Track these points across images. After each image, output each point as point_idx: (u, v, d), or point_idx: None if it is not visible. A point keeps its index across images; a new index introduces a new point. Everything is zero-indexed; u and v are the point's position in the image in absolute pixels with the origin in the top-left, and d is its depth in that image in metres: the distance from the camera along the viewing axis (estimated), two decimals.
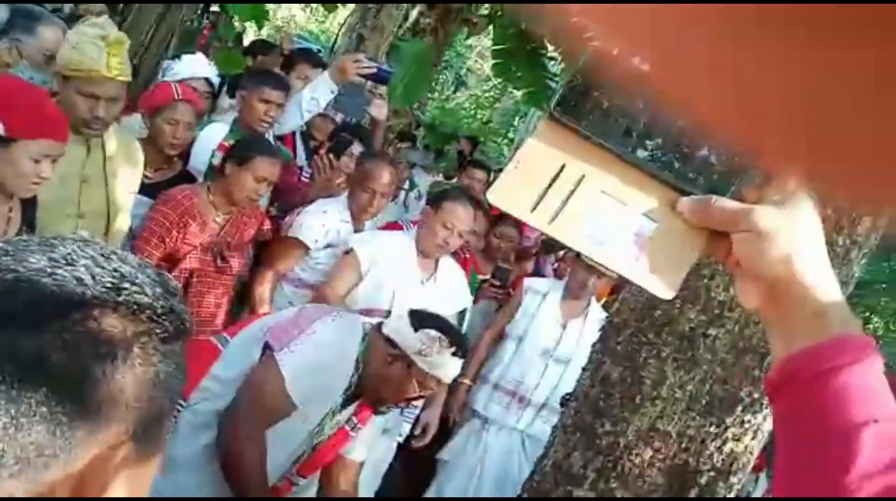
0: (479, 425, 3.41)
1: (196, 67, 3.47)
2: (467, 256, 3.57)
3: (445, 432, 3.48)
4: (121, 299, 0.55)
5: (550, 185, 0.59)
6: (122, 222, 2.59)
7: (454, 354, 2.09)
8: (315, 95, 3.35)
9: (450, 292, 3.10)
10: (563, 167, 0.60)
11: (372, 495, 3.13)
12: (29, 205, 2.13)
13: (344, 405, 2.19)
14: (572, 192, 0.59)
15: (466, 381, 3.44)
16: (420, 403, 3.12)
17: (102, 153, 2.40)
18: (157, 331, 0.56)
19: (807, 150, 0.22)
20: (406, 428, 3.15)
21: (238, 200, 2.79)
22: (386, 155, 3.23)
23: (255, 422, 2.04)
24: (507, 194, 0.59)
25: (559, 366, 3.33)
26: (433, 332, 2.07)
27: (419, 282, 3.01)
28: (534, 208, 0.59)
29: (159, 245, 2.73)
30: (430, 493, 3.42)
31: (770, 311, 0.60)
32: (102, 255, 0.56)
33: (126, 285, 0.55)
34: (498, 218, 3.61)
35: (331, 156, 3.11)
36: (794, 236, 0.58)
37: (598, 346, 1.63)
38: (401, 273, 2.96)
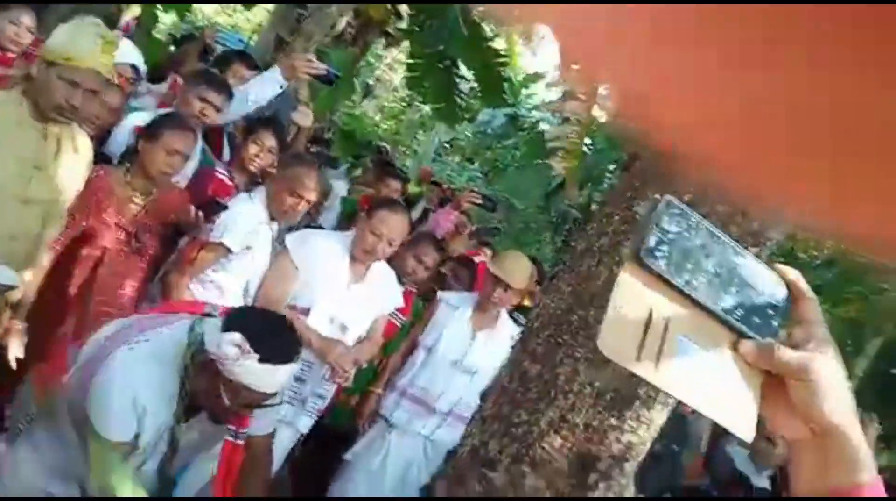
0: (384, 428, 3.51)
1: (124, 53, 3.47)
2: (413, 290, 3.63)
3: (353, 435, 3.59)
4: None
5: (646, 331, 0.62)
6: (62, 215, 2.60)
7: (263, 360, 1.85)
8: (262, 88, 3.40)
9: (378, 295, 3.19)
10: (651, 313, 0.63)
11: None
12: None
13: (189, 415, 2.03)
14: (663, 338, 0.62)
15: (377, 389, 3.56)
16: (328, 394, 3.20)
17: (57, 143, 2.42)
18: None
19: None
20: (308, 422, 3.21)
21: (153, 174, 2.85)
22: (314, 161, 3.28)
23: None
24: (614, 346, 0.61)
25: (466, 376, 3.47)
26: (237, 336, 1.84)
27: (346, 284, 3.09)
28: (638, 357, 0.62)
29: (72, 224, 2.73)
30: (331, 491, 3.51)
31: (808, 442, 0.66)
32: None
33: None
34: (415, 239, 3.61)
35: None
36: (838, 384, 0.65)
37: (518, 346, 1.83)
38: (328, 274, 3.04)
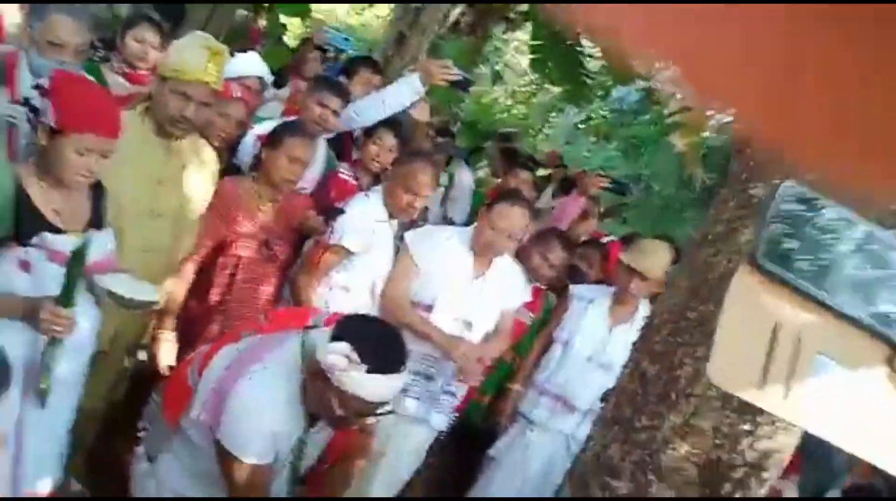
0: (525, 426, 3.46)
1: (249, 65, 3.60)
2: (541, 286, 3.51)
3: (489, 432, 3.55)
4: None
5: (770, 351, 0.52)
6: (194, 225, 2.73)
7: (371, 371, 1.86)
8: (399, 95, 3.40)
9: (503, 290, 3.12)
10: (775, 328, 0.52)
11: (406, 478, 3.24)
12: (97, 197, 2.25)
13: (314, 421, 2.10)
14: (794, 357, 0.51)
15: (516, 386, 3.51)
16: (460, 392, 3.18)
17: (182, 157, 2.53)
18: None
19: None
20: (442, 420, 3.20)
21: (276, 182, 2.91)
22: (429, 154, 3.25)
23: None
24: (729, 373, 0.52)
25: (604, 372, 3.32)
26: (345, 346, 1.85)
27: (469, 279, 3.05)
28: (762, 387, 0.52)
29: (207, 234, 2.84)
30: (476, 487, 3.49)
31: None
32: None
33: None
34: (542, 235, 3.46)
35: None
36: None
37: (637, 344, 1.71)
38: (449, 270, 3.02)
